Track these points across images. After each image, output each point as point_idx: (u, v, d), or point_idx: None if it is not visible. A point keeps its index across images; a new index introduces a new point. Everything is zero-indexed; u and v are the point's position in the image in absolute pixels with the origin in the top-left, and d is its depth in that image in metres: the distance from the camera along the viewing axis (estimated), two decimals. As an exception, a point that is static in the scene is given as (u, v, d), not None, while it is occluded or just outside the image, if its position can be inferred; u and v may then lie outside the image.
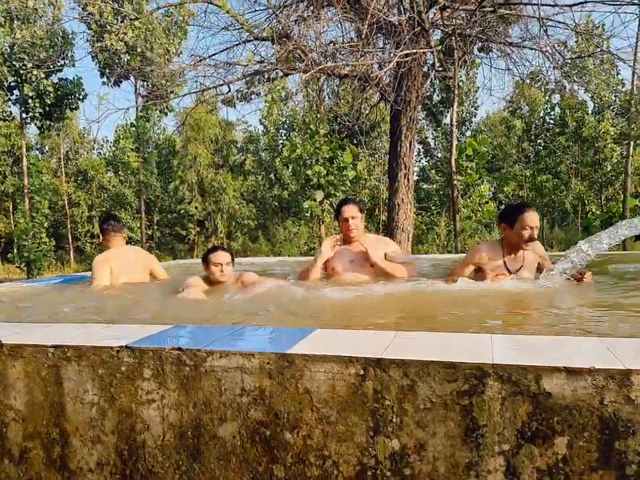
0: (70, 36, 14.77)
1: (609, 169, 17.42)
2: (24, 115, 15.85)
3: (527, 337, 1.26)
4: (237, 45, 7.18)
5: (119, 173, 23.16)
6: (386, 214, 9.01)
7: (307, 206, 11.12)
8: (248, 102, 8.44)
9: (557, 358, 1.04)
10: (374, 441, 1.09)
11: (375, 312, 2.13)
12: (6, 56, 14.20)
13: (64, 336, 1.37)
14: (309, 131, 11.48)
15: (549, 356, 1.07)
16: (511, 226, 2.52)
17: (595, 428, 0.99)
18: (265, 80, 7.69)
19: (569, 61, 6.80)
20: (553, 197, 19.71)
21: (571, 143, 18.61)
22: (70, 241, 22.07)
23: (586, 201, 19.14)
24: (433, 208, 19.65)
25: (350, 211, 2.90)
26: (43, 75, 14.47)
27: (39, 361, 1.29)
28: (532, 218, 2.48)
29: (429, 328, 1.80)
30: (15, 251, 14.18)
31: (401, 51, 5.35)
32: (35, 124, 15.94)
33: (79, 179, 23.73)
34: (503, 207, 2.88)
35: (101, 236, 3.29)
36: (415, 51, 5.47)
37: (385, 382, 1.08)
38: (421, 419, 1.06)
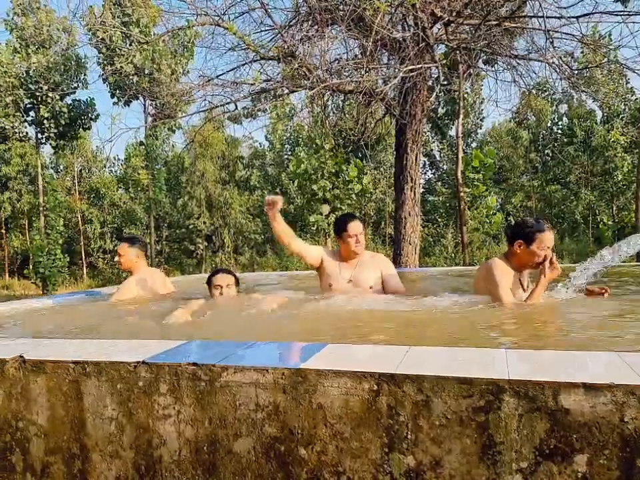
0: (83, 60, 15.19)
1: (619, 179, 17.29)
2: (39, 136, 16.26)
3: (542, 351, 1.25)
4: (243, 64, 7.34)
5: (130, 190, 23.50)
6: (392, 227, 9.00)
7: (313, 220, 11.18)
8: (254, 119, 8.58)
9: (574, 373, 1.03)
10: (389, 458, 1.09)
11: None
12: (22, 80, 14.63)
13: (83, 351, 1.39)
14: (314, 146, 11.60)
15: (566, 371, 1.06)
16: (527, 244, 2.39)
17: (615, 445, 0.97)
18: (271, 97, 7.82)
19: (576, 71, 6.82)
20: (562, 207, 19.59)
21: (580, 153, 18.55)
22: (83, 257, 22.33)
23: (597, 211, 18.99)
24: (440, 220, 19.60)
25: (358, 227, 2.91)
26: (57, 97, 14.87)
27: (60, 376, 1.32)
28: (551, 238, 2.40)
29: (439, 343, 1.80)
30: (31, 267, 14.39)
31: (406, 66, 5.42)
32: (50, 144, 16.36)
33: (92, 196, 24.11)
34: (516, 220, 2.70)
35: (137, 254, 3.22)
36: (419, 66, 5.54)
37: (399, 397, 1.08)
38: (436, 435, 1.06)
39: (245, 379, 1.19)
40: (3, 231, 22.89)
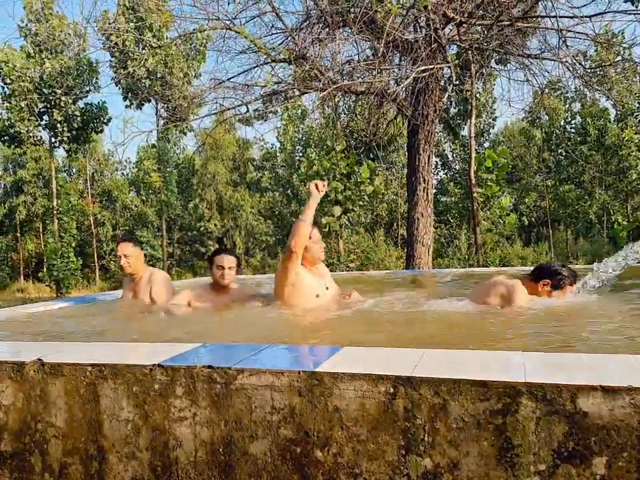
0: (94, 64, 15.39)
1: (634, 178, 17.00)
2: (53, 139, 16.50)
3: (558, 354, 1.24)
4: (254, 67, 7.38)
5: (141, 192, 23.73)
6: (404, 228, 8.96)
7: (325, 222, 11.14)
8: (265, 121, 8.62)
9: (592, 376, 1.03)
10: (406, 460, 1.09)
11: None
12: (36, 84, 14.86)
13: (100, 354, 1.41)
14: (325, 147, 11.59)
15: (584, 374, 1.05)
16: (554, 288, 2.44)
17: (634, 448, 0.96)
18: (282, 99, 7.85)
19: (589, 70, 6.75)
20: (576, 207, 19.33)
21: (594, 152, 18.29)
22: (95, 259, 22.60)
23: (611, 211, 18.70)
24: (452, 221, 19.48)
25: (318, 233, 2.84)
26: (70, 101, 15.08)
27: (78, 379, 1.33)
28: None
29: (453, 346, 1.79)
30: (45, 270, 14.62)
31: (418, 67, 5.40)
32: (64, 147, 16.57)
33: (104, 199, 24.40)
34: (551, 262, 2.77)
35: (140, 253, 3.09)
36: (431, 66, 5.52)
37: (416, 400, 1.08)
38: (454, 438, 1.06)
39: (261, 381, 1.19)
40: (18, 234, 23.28)
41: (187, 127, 16.66)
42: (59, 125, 15.64)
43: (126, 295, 3.17)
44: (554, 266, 2.53)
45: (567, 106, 19.22)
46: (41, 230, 22.45)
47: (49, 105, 15.39)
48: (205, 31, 7.65)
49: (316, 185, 2.61)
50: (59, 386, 1.35)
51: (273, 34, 7.32)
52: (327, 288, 2.76)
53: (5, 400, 1.41)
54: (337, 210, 11.08)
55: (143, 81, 14.85)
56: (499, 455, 1.03)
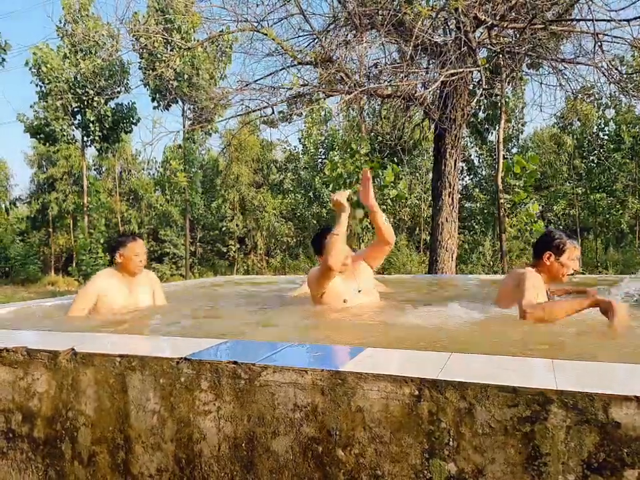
0: (126, 65, 15.79)
1: (669, 187, 16.38)
2: (85, 138, 17.01)
3: (590, 362, 1.21)
4: (281, 69, 7.45)
5: (166, 192, 24.16)
6: (426, 233, 8.85)
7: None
8: (289, 123, 8.67)
9: (626, 386, 1.00)
10: (429, 463, 1.08)
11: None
12: (71, 84, 15.36)
13: (129, 346, 1.45)
14: (349, 150, 11.54)
15: (618, 384, 1.02)
16: (559, 254, 2.34)
17: (668, 461, 0.93)
18: (307, 102, 7.89)
19: (626, 76, 6.53)
20: (607, 216, 18.73)
21: (628, 160, 17.71)
22: (121, 256, 23.09)
23: (644, 221, 18.07)
24: (477, 227, 19.16)
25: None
26: (103, 101, 15.52)
27: (107, 369, 1.37)
28: (579, 249, 2.38)
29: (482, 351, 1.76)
30: (74, 265, 15.04)
31: (447, 70, 5.34)
32: (95, 146, 17.05)
33: (130, 197, 24.96)
34: (544, 231, 2.63)
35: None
36: (461, 70, 5.45)
37: (441, 404, 1.07)
38: (479, 443, 1.04)
39: (284, 378, 1.20)
40: (50, 230, 24.06)
41: (212, 128, 16.89)
42: (91, 125, 16.11)
43: (117, 293, 2.91)
44: (545, 235, 2.43)
45: (600, 112, 18.66)
46: (71, 226, 23.13)
47: (81, 105, 15.87)
48: (233, 32, 7.76)
49: (338, 202, 2.50)
50: (89, 375, 1.39)
51: (300, 36, 7.38)
52: (359, 291, 2.60)
53: (39, 387, 1.46)
54: (360, 213, 11.01)
55: (171, 82, 15.15)
56: (526, 462, 1.01)
